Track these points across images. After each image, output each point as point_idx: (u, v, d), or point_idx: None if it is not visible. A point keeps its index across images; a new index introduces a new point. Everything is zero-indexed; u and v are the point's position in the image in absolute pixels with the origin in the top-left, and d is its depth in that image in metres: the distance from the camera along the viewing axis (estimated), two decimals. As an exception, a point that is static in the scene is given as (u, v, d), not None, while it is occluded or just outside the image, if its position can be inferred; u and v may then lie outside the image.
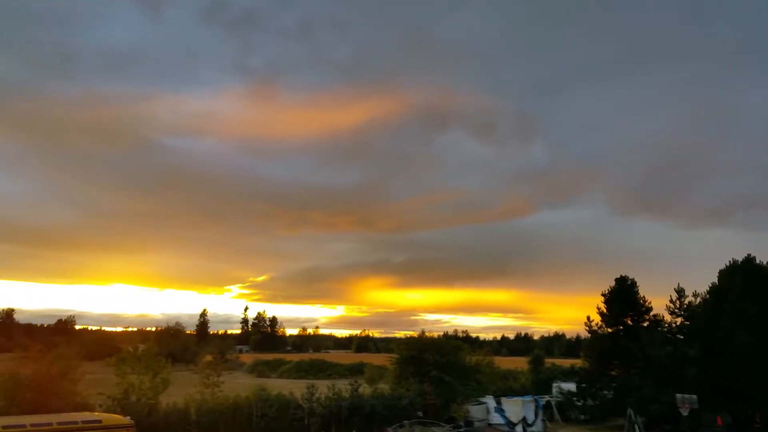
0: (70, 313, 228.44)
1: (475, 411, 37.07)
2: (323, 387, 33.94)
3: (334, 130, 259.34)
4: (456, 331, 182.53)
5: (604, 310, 41.66)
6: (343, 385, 34.67)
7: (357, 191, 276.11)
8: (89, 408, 25.05)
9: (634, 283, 41.66)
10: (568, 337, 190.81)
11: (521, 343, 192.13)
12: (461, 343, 52.27)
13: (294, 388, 36.38)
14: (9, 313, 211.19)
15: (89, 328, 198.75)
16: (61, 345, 29.41)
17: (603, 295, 42.07)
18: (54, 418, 20.57)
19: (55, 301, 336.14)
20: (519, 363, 68.28)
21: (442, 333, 52.12)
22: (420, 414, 32.92)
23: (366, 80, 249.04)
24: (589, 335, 42.79)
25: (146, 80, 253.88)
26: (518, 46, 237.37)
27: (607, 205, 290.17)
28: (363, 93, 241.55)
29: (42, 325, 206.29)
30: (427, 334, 44.13)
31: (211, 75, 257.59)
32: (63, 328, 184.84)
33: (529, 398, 39.07)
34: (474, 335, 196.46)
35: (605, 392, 39.78)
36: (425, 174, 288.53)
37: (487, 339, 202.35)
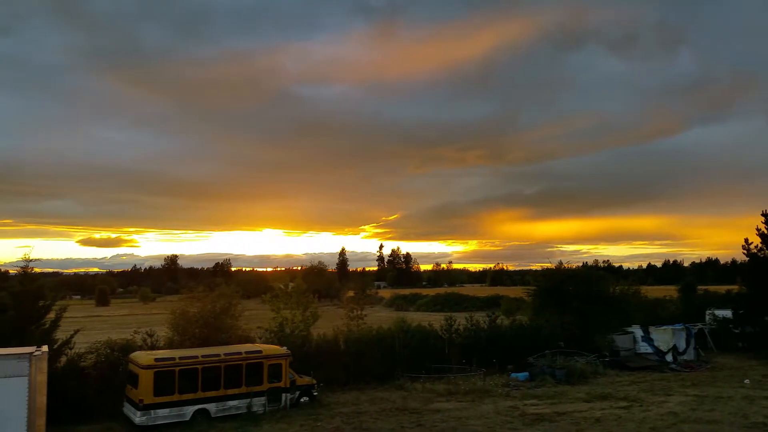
0: (225, 257, 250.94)
1: (621, 341, 35.94)
2: (461, 318, 34.49)
3: (459, 63, 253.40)
4: (596, 261, 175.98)
5: (765, 231, 38.05)
6: (481, 317, 34.99)
7: (485, 124, 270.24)
8: (250, 340, 27.45)
9: (800, 200, 37.44)
10: (722, 262, 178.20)
11: (670, 271, 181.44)
12: (604, 273, 50.28)
13: (432, 320, 37.33)
14: (173, 259, 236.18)
15: (243, 269, 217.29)
16: (221, 285, 32.09)
17: (763, 215, 38.39)
18: (221, 350, 22.85)
19: (212, 247, 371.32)
20: (667, 291, 64.60)
21: (581, 264, 50.31)
22: (562, 344, 32.48)
23: (490, 6, 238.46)
24: (748, 259, 39.45)
25: (274, 32, 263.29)
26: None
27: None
28: (487, 20, 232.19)
29: (202, 268, 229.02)
30: (565, 265, 42.81)
31: (335, 19, 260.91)
32: (220, 270, 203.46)
33: (680, 326, 37.11)
34: (617, 265, 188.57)
35: (766, 318, 36.79)
36: (558, 99, 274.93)
37: (631, 268, 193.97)
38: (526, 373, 29.88)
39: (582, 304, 37.04)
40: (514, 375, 29.89)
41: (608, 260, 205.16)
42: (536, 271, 53.30)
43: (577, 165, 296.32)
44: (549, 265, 43.84)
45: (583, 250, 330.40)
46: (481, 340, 32.48)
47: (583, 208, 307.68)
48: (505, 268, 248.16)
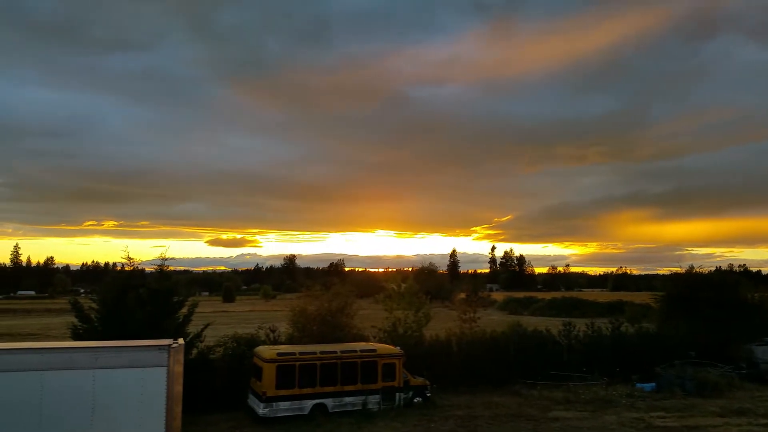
0: (340, 257, 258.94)
1: (761, 352, 32.72)
2: (581, 324, 33.05)
3: (581, 57, 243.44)
4: (731, 266, 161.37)
5: None
6: (602, 323, 33.34)
7: (608, 119, 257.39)
8: (364, 339, 27.96)
9: None
10: None
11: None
12: (740, 278, 46.18)
13: (549, 325, 36.07)
14: (292, 258, 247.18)
15: (356, 269, 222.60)
16: (336, 285, 32.93)
17: None
18: (338, 347, 23.46)
19: (328, 247, 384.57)
20: (816, 300, 58.09)
21: (714, 268, 46.34)
22: (693, 354, 30.15)
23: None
24: None
25: (391, 36, 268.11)
26: None
27: None
28: (612, 11, 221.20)
29: (318, 268, 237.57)
30: (697, 269, 39.79)
31: (451, 20, 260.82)
32: (335, 270, 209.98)
33: (833, 339, 33.16)
34: (754, 270, 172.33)
35: None
36: (690, 91, 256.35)
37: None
38: (653, 384, 28.06)
39: (715, 312, 34.23)
40: (639, 385, 28.16)
41: (745, 264, 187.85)
42: (664, 275, 49.99)
43: (712, 161, 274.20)
44: (678, 269, 41.02)
45: (717, 254, 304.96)
46: (603, 347, 30.90)
47: (717, 208, 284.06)
48: (628, 272, 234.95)
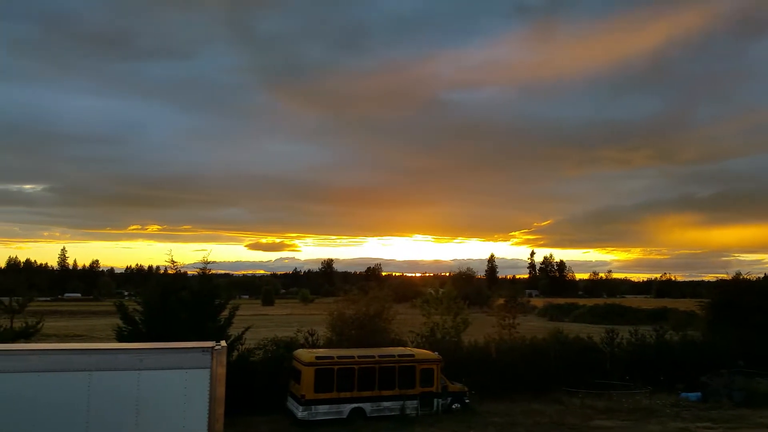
0: (377, 261, 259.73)
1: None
2: (624, 332, 32.34)
3: (625, 59, 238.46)
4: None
5: None
6: (646, 331, 32.56)
7: (654, 121, 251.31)
8: (402, 343, 27.93)
9: None
10: None
11: None
12: (791, 285, 44.37)
13: (591, 332, 35.41)
14: (329, 263, 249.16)
15: (393, 274, 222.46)
16: (373, 289, 32.96)
17: None
18: (376, 352, 23.49)
19: (365, 251, 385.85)
20: None
21: (762, 275, 44.79)
22: (741, 363, 29.14)
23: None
24: None
25: (429, 40, 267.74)
26: None
27: None
28: (657, 11, 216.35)
29: (355, 272, 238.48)
30: (744, 276, 38.53)
31: (490, 22, 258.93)
32: (372, 274, 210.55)
33: None
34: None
35: None
36: (739, 92, 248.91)
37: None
38: (699, 394, 27.25)
39: (765, 320, 33.02)
40: (684, 395, 27.39)
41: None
42: (710, 282, 48.51)
43: (761, 164, 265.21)
44: (725, 275, 39.79)
45: (766, 260, 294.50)
46: (647, 355, 30.17)
47: (766, 213, 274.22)
48: (673, 278, 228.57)
